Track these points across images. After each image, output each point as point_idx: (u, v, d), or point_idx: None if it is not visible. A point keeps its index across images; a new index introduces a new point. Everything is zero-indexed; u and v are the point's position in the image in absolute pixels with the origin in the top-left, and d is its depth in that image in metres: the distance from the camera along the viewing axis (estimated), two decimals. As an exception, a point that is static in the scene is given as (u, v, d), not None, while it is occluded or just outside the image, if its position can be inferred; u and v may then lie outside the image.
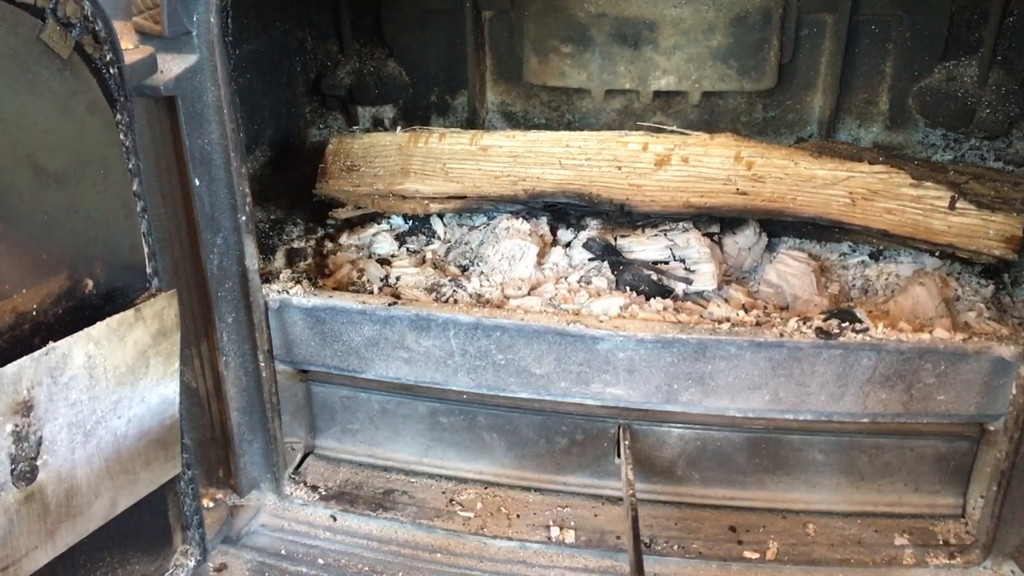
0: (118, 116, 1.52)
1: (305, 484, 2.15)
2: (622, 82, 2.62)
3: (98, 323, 1.46)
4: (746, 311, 1.99)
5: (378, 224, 2.44)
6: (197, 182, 1.76)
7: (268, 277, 2.07)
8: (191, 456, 1.86)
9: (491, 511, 2.07)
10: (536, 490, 2.11)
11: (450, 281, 2.12)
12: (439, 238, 2.38)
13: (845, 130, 2.67)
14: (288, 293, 2.01)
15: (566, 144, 2.28)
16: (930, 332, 1.84)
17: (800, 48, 2.58)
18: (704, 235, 2.20)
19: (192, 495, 1.88)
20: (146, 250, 1.63)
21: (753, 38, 2.48)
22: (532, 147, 2.29)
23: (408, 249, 2.35)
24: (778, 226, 2.29)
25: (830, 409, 1.91)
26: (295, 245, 2.41)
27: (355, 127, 2.81)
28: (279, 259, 2.34)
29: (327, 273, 2.27)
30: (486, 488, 2.13)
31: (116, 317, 1.49)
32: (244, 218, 1.85)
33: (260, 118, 2.57)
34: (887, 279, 2.19)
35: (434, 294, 2.08)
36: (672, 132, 2.30)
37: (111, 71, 1.48)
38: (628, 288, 2.09)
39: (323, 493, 2.13)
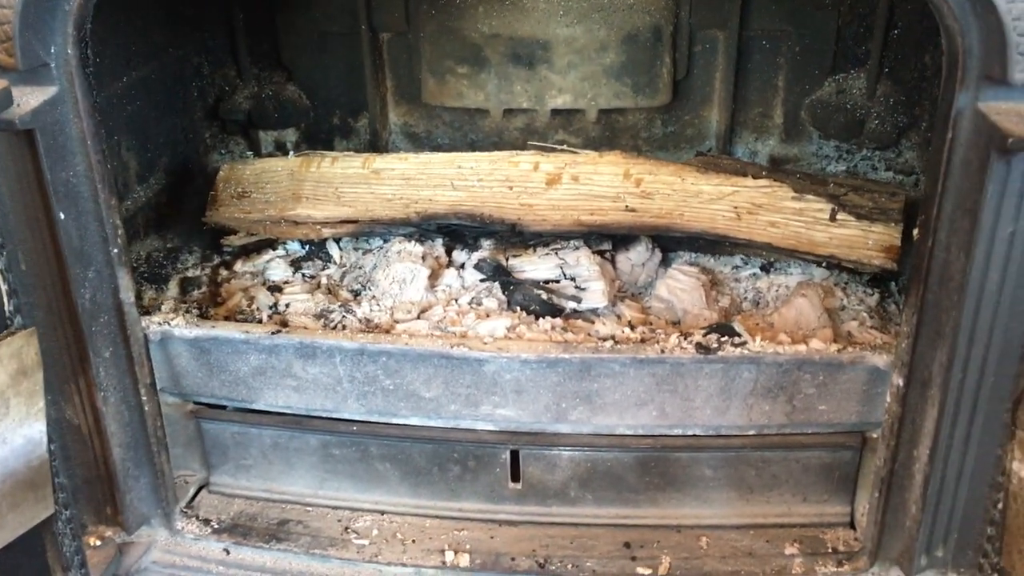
0: (-32, 152, 1.49)
1: (198, 518, 2.11)
2: (519, 101, 2.63)
3: (-53, 365, 1.42)
4: (632, 328, 2.00)
5: (273, 250, 2.41)
6: (62, 216, 1.72)
7: (150, 309, 2.03)
8: (69, 495, 1.82)
9: (387, 538, 2.05)
10: (433, 516, 2.09)
11: (340, 307, 2.10)
12: (335, 263, 2.36)
13: (743, 144, 2.71)
14: (169, 325, 1.98)
15: (458, 165, 2.28)
16: (806, 343, 1.86)
17: (694, 64, 2.61)
18: (595, 252, 2.21)
19: (71, 535, 1.84)
20: (4, 288, 1.60)
21: (645, 55, 2.51)
22: (425, 169, 2.29)
23: (304, 275, 2.33)
24: (672, 241, 2.31)
25: (716, 422, 1.93)
26: (190, 274, 2.38)
27: (250, 153, 2.78)
28: (172, 289, 2.31)
29: (220, 302, 2.24)
30: (383, 515, 2.11)
31: (-33, 358, 1.45)
32: (116, 251, 1.82)
33: (154, 145, 2.53)
34: (777, 291, 2.22)
35: (323, 320, 2.06)
36: (563, 151, 2.31)
37: (-43, 107, 1.45)
38: (519, 308, 2.09)
39: (215, 527, 2.09)
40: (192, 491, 2.18)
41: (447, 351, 1.88)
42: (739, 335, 1.88)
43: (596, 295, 2.11)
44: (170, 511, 2.08)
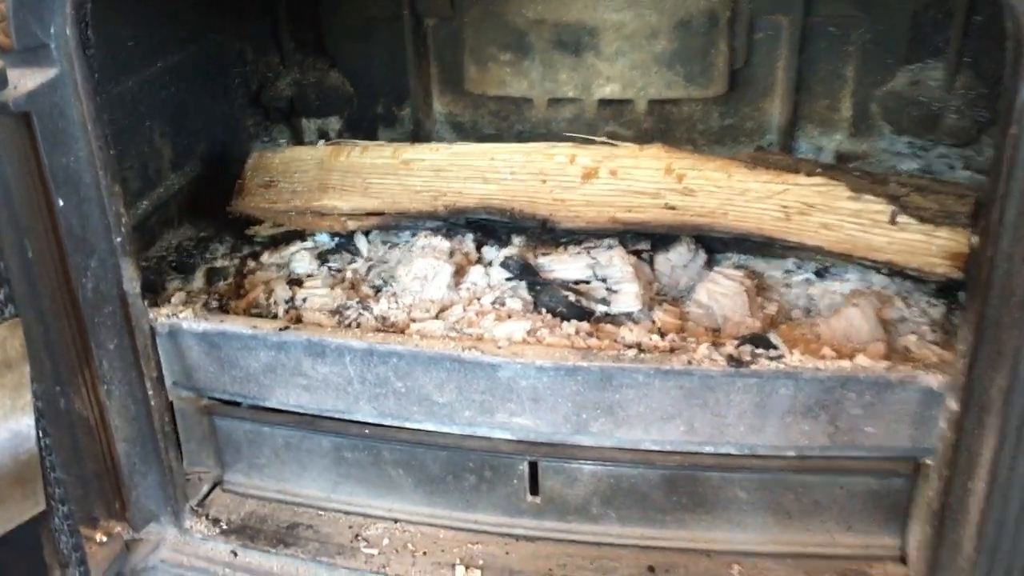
0: (-46, 135, 1.43)
1: (207, 517, 2.04)
2: (565, 90, 2.50)
3: (-81, 356, 1.37)
4: (662, 335, 1.85)
5: (302, 241, 2.33)
6: (61, 203, 1.66)
7: (159, 300, 1.97)
8: (67, 491, 1.76)
9: (397, 548, 1.95)
10: (447, 527, 1.98)
11: (357, 303, 2.00)
12: (363, 256, 2.27)
13: (806, 138, 2.52)
14: (177, 317, 1.91)
15: (491, 157, 2.16)
16: (851, 359, 1.68)
17: (754, 52, 2.44)
18: (632, 252, 2.07)
19: (69, 532, 1.78)
20: (-7, 276, 1.54)
21: (699, 43, 2.35)
22: (456, 160, 2.18)
23: (330, 268, 2.24)
24: (719, 242, 2.14)
25: (751, 441, 1.76)
26: (218, 264, 2.32)
27: (282, 141, 2.72)
28: (199, 279, 2.26)
29: (243, 294, 2.18)
30: (396, 523, 2.00)
31: (-57, 349, 1.40)
32: (120, 239, 1.75)
33: (191, 132, 2.49)
34: (831, 299, 2.03)
35: (337, 317, 1.97)
36: (603, 143, 2.17)
37: (-58, 88, 1.40)
38: (545, 310, 1.95)
39: (224, 527, 2.02)
40: (206, 489, 2.12)
41: (458, 354, 1.77)
42: (775, 347, 1.72)
43: (628, 298, 1.97)
44: (179, 509, 2.02)
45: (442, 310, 1.97)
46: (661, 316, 1.97)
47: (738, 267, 2.12)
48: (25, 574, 1.75)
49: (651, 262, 2.10)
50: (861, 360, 1.67)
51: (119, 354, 1.84)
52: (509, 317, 1.91)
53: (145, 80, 2.28)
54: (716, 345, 1.74)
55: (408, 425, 1.91)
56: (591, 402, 1.77)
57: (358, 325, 1.93)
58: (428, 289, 2.01)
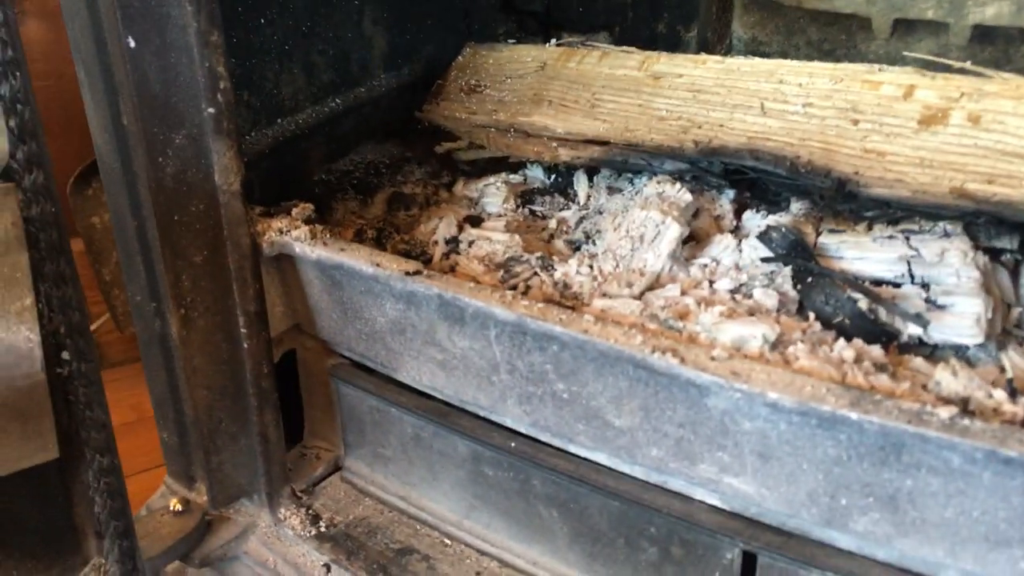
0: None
1: (308, 511, 1.54)
2: (922, 9, 1.71)
3: None
4: (1013, 395, 1.04)
5: (509, 173, 1.75)
6: (133, 43, 1.20)
7: (272, 212, 1.47)
8: (107, 436, 1.32)
9: (530, 624, 1.32)
10: (608, 610, 1.32)
11: (538, 259, 1.38)
12: (578, 203, 1.64)
13: None
14: (289, 236, 1.40)
15: (780, 79, 1.44)
16: None
17: None
18: (983, 250, 1.26)
19: (108, 492, 1.33)
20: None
21: None
22: (727, 80, 1.48)
23: (533, 212, 1.65)
24: None
25: None
26: (406, 190, 1.81)
27: (511, 41, 2.14)
28: (377, 204, 1.77)
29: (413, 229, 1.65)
30: (539, 583, 1.38)
31: None
32: (213, 111, 1.26)
33: (418, 28, 2.00)
34: None
35: (502, 273, 1.36)
36: (964, 72, 1.37)
37: None
38: (814, 316, 1.22)
39: (323, 529, 1.50)
40: (321, 471, 1.62)
41: (643, 358, 1.09)
42: None
43: (963, 321, 1.17)
44: (276, 491, 1.53)
45: (651, 288, 1.30)
46: (1017, 361, 1.16)
47: None
48: (45, 536, 1.35)
49: (1015, 272, 1.28)
50: None
51: (208, 271, 1.37)
52: (750, 315, 1.20)
53: (360, -51, 1.82)
54: (1122, 432, 0.92)
55: (571, 449, 1.28)
56: (860, 481, 1.03)
57: (526, 289, 1.32)
58: (640, 254, 1.34)
